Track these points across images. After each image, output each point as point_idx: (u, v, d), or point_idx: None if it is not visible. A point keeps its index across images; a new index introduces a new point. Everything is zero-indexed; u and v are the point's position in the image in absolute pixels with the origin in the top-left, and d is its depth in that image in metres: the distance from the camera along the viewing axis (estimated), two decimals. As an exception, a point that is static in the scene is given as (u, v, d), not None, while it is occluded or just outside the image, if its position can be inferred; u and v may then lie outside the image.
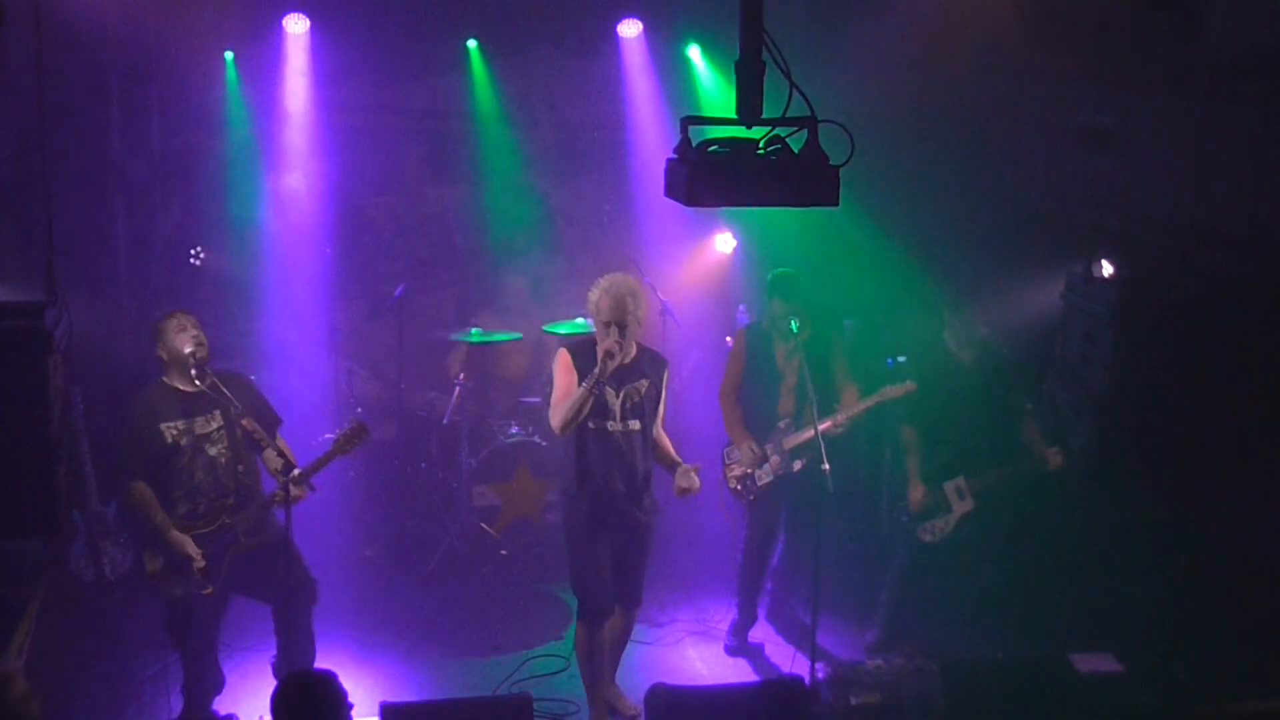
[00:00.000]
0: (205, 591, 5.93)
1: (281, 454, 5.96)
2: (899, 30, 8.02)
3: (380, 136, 8.93)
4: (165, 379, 6.03)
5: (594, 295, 5.94)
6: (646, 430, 6.06)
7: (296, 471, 5.87)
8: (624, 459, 5.98)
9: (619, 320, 5.85)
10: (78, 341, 4.95)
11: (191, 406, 6.00)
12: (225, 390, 5.94)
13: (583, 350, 6.03)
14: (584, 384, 5.87)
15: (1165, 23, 6.72)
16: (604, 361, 5.84)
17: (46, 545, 6.59)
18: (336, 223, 9.01)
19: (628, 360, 5.96)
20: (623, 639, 6.47)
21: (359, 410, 8.67)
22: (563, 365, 6.02)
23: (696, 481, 6.01)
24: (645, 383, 6.03)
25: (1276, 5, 6.21)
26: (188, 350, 5.91)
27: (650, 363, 6.11)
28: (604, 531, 6.04)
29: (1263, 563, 6.45)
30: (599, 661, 6.24)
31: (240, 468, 6.05)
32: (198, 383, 5.94)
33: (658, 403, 6.12)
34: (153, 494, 5.89)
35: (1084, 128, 7.51)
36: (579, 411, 5.87)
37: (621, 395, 5.96)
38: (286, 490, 5.76)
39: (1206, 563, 6.56)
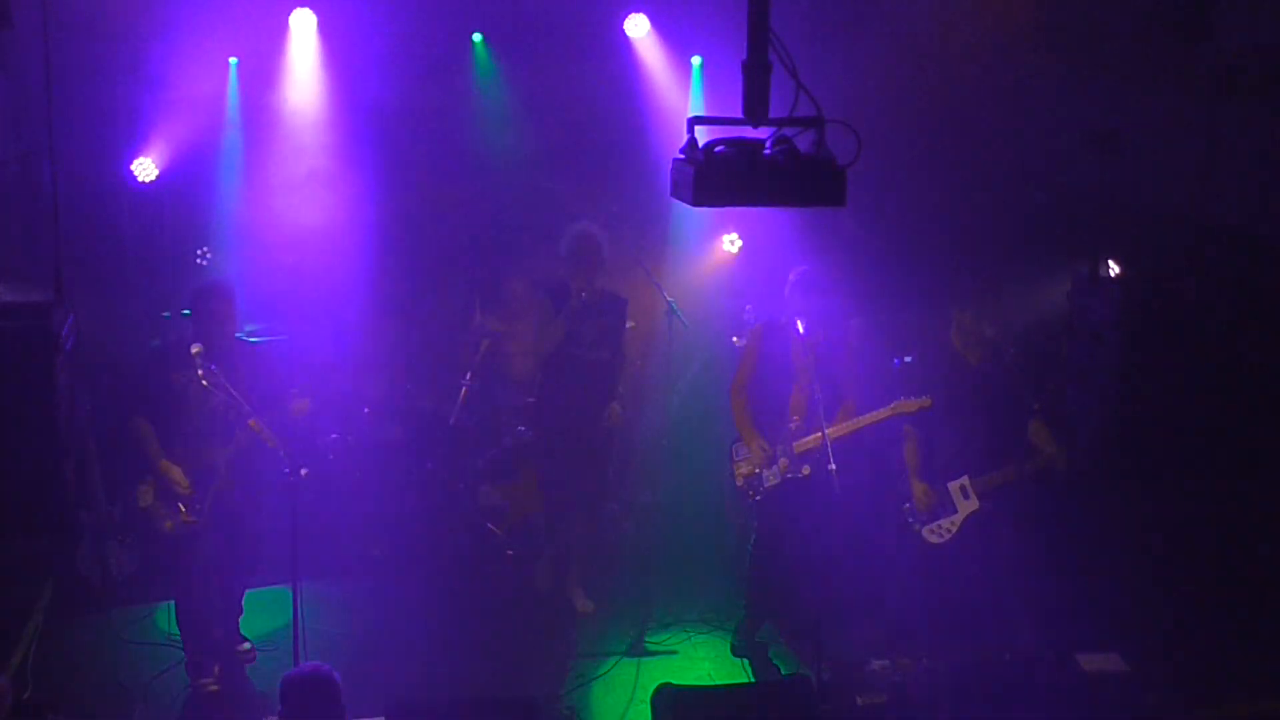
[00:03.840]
0: (190, 520, 6.14)
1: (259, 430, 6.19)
2: (905, 30, 8.01)
3: (384, 135, 8.92)
4: (185, 339, 6.15)
5: (563, 247, 7.15)
6: (614, 360, 7.24)
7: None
8: (589, 381, 7.12)
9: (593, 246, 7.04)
10: (84, 342, 4.97)
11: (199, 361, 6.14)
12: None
13: (559, 291, 7.10)
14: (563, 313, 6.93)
15: (1172, 23, 6.71)
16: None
17: (53, 545, 6.61)
18: (341, 223, 9.00)
19: (597, 297, 7.08)
20: (584, 539, 7.44)
21: (365, 410, 8.67)
22: (545, 310, 7.16)
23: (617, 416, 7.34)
24: (609, 318, 7.18)
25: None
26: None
27: (611, 302, 7.28)
28: (563, 445, 7.24)
29: (1267, 562, 6.45)
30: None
31: (233, 415, 6.20)
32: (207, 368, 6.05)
33: (620, 335, 7.28)
34: (153, 431, 6.10)
35: (1091, 128, 7.50)
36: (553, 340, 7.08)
37: (590, 326, 7.09)
38: (296, 478, 5.85)
39: (1211, 562, 6.56)
